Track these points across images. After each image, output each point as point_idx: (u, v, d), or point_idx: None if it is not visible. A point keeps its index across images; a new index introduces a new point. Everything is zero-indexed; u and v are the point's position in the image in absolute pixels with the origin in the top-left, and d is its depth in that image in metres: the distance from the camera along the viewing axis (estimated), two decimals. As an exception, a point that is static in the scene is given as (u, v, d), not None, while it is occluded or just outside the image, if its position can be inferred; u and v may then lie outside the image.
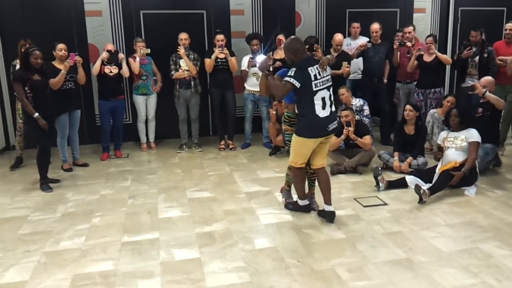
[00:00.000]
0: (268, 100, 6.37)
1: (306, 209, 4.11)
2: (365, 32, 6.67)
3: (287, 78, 3.64)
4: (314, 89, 3.65)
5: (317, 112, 3.68)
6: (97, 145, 6.61)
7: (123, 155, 6.30)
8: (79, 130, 5.84)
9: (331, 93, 3.81)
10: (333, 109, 3.83)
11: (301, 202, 4.12)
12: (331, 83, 3.82)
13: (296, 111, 3.86)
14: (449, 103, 5.62)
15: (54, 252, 3.50)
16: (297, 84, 3.60)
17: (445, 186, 4.50)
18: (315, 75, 3.66)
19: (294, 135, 3.82)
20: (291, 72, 3.64)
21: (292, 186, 4.21)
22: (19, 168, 5.69)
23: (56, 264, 3.31)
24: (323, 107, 3.70)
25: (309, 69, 3.65)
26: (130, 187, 5.02)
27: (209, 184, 5.03)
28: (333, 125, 3.80)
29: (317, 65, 3.70)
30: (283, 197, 4.40)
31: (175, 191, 4.82)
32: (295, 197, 4.24)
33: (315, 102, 3.66)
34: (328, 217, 3.95)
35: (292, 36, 3.97)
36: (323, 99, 3.69)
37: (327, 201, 3.98)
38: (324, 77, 3.72)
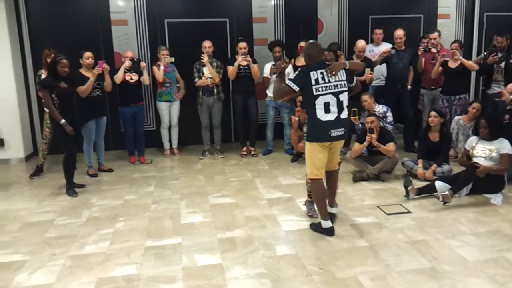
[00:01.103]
0: (290, 106, 6.38)
1: (330, 232, 3.78)
2: (388, 38, 6.63)
3: (287, 81, 3.69)
4: (315, 93, 3.61)
5: (318, 116, 3.64)
6: (122, 151, 6.72)
7: (146, 161, 6.38)
8: (104, 136, 5.95)
9: (342, 99, 3.69)
10: (343, 115, 3.71)
11: (324, 224, 3.80)
12: (342, 89, 3.69)
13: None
14: (475, 109, 5.52)
15: (79, 255, 3.56)
16: (295, 88, 3.63)
17: (469, 182, 4.44)
18: (316, 79, 3.61)
19: (306, 142, 3.82)
20: (294, 75, 3.70)
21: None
22: (39, 177, 5.77)
23: (81, 267, 3.37)
24: (326, 111, 3.63)
25: (311, 73, 3.63)
26: (153, 192, 5.08)
27: (231, 190, 5.06)
28: (337, 132, 3.68)
29: (322, 70, 3.63)
30: (306, 210, 4.29)
31: (197, 197, 4.86)
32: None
33: (316, 106, 3.63)
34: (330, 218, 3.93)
35: (310, 41, 3.95)
36: (326, 104, 3.63)
37: (331, 202, 4.03)
38: (331, 82, 3.64)
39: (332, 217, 3.96)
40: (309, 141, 3.76)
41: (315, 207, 4.04)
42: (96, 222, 4.23)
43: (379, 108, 5.78)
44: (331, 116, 3.65)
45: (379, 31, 6.76)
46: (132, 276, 3.21)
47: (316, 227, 3.90)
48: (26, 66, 6.68)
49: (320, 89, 3.62)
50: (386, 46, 6.51)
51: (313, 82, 3.62)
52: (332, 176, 4.01)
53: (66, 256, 3.56)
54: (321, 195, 3.82)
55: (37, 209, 4.66)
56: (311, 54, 3.76)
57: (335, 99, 3.65)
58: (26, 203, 4.85)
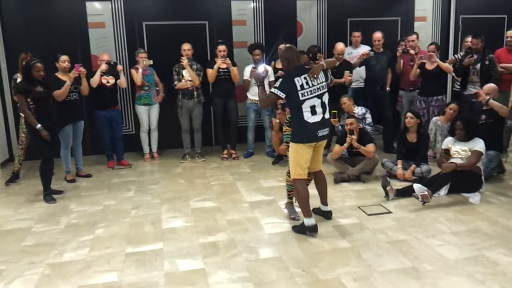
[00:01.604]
0: (271, 109, 6.39)
1: (313, 229, 3.81)
2: (366, 41, 6.70)
3: (272, 89, 3.74)
4: (301, 98, 3.68)
5: (305, 118, 3.72)
6: (100, 156, 6.63)
7: (128, 163, 6.33)
8: (82, 141, 5.85)
9: (324, 100, 3.81)
10: (327, 116, 3.84)
11: (307, 222, 3.82)
12: (324, 90, 3.81)
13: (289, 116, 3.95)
14: (452, 110, 5.62)
15: (58, 263, 3.49)
16: (282, 95, 3.69)
17: (447, 182, 4.54)
18: (301, 85, 3.68)
19: (290, 143, 3.86)
20: (277, 83, 3.73)
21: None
22: (15, 183, 5.64)
23: (60, 275, 3.30)
24: (312, 113, 3.73)
25: (296, 79, 3.68)
26: (133, 197, 5.01)
27: (212, 194, 5.03)
28: (323, 132, 3.81)
29: (305, 75, 3.71)
30: (288, 213, 4.31)
31: (178, 201, 4.82)
32: (298, 209, 4.20)
33: (303, 110, 3.71)
34: (326, 215, 4.15)
35: (287, 45, 4.00)
36: (312, 107, 3.72)
37: (325, 201, 4.16)
38: (314, 85, 3.73)
39: (328, 214, 4.14)
40: (295, 142, 3.80)
41: (295, 209, 4.20)
42: (75, 229, 4.15)
43: (358, 110, 5.83)
44: (317, 118, 3.74)
45: (357, 34, 6.82)
46: (113, 284, 3.16)
47: (299, 229, 3.92)
48: (1, 70, 6.52)
49: (305, 93, 3.69)
50: (364, 49, 6.58)
51: (299, 88, 3.68)
52: (319, 176, 4.11)
53: (45, 264, 3.48)
54: (304, 194, 3.85)
55: (14, 216, 4.55)
56: (290, 59, 3.81)
57: (319, 101, 3.75)
58: (2, 210, 4.73)
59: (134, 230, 4.08)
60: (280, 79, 3.75)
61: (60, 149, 5.53)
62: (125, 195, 5.10)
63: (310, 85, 3.71)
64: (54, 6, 6.57)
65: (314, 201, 4.22)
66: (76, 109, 5.62)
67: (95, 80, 5.87)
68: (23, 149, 5.64)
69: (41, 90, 4.79)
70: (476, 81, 6.03)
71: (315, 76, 3.73)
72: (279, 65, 6.25)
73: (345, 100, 5.80)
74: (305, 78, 3.70)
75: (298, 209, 4.18)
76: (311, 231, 3.82)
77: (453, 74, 6.35)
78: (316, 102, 3.73)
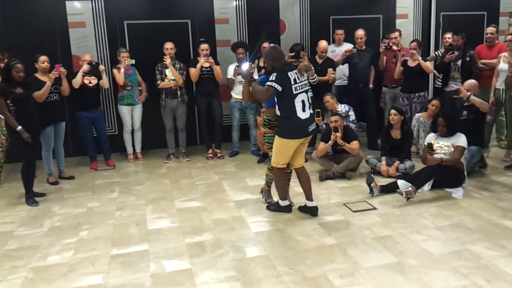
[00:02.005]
0: (255, 107, 6.38)
1: (288, 209, 4.28)
2: (349, 38, 6.73)
3: (269, 83, 3.87)
4: (294, 92, 3.89)
5: (298, 114, 3.92)
6: (83, 157, 6.54)
7: (113, 165, 6.27)
8: (63, 142, 5.77)
9: (309, 97, 4.04)
10: (311, 111, 4.07)
11: (282, 203, 4.28)
12: (309, 87, 4.08)
13: (278, 114, 4.03)
14: (434, 106, 5.68)
15: (42, 267, 3.44)
16: (279, 88, 3.84)
17: (431, 177, 4.59)
18: (294, 79, 3.91)
19: (276, 137, 4.01)
20: (272, 77, 3.88)
21: (273, 187, 4.43)
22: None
23: (44, 279, 3.25)
24: (303, 109, 3.95)
25: (289, 73, 3.90)
26: (117, 199, 4.96)
27: (198, 194, 5.00)
28: (312, 126, 4.07)
29: (295, 70, 3.96)
30: (263, 198, 4.59)
31: (163, 202, 4.78)
32: (275, 198, 4.45)
33: (296, 104, 3.90)
34: (312, 211, 4.21)
35: (271, 44, 4.19)
36: (302, 101, 3.94)
37: (310, 197, 4.24)
38: (302, 81, 3.97)
39: (314, 210, 4.22)
40: (287, 138, 3.96)
41: (271, 194, 4.54)
42: (59, 232, 4.09)
43: (342, 108, 5.86)
44: (307, 113, 3.98)
45: (340, 32, 6.85)
46: (98, 286, 3.13)
47: (274, 207, 4.34)
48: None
49: (297, 88, 3.92)
50: (347, 46, 6.60)
51: (292, 82, 3.89)
52: (302, 172, 4.24)
53: (28, 268, 3.42)
54: (283, 178, 4.21)
55: (-5, 220, 4.47)
56: (276, 57, 4.01)
57: (306, 96, 4.00)
58: (-17, 214, 4.64)
59: (118, 232, 4.04)
60: (275, 74, 3.89)
61: (41, 151, 5.44)
62: (109, 197, 5.04)
63: (299, 80, 3.94)
64: (33, 5, 6.44)
65: (300, 200, 4.28)
66: (57, 110, 5.54)
67: (77, 81, 5.79)
68: (3, 151, 5.54)
69: (21, 92, 4.71)
70: (457, 77, 6.11)
71: (302, 73, 3.99)
72: (262, 63, 6.26)
73: (328, 99, 5.82)
74: (295, 73, 3.94)
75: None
76: (286, 210, 4.26)
77: (434, 72, 6.43)
78: (305, 97, 3.96)
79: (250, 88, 4.08)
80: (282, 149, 4.01)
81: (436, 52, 6.68)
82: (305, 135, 4.03)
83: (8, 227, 4.25)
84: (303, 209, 4.27)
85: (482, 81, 5.90)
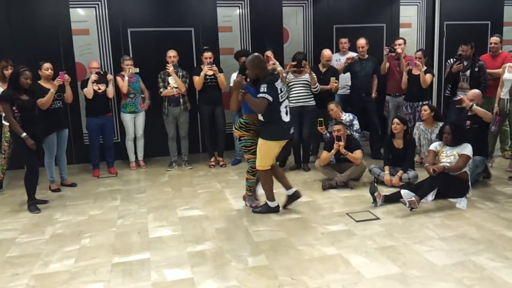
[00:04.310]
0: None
1: (276, 209, 4.50)
2: (353, 47, 6.74)
3: (262, 95, 4.11)
4: (280, 100, 4.22)
5: (283, 118, 4.26)
6: (85, 165, 6.55)
7: (115, 173, 6.26)
8: (66, 150, 5.78)
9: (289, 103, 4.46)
10: (291, 115, 4.42)
11: (272, 204, 4.49)
12: (287, 94, 4.55)
13: (261, 119, 4.25)
14: (425, 111, 5.66)
15: (43, 274, 3.42)
16: (271, 99, 4.12)
17: (434, 187, 4.56)
18: (280, 89, 4.24)
19: (263, 141, 4.25)
20: (264, 88, 4.11)
21: (258, 189, 4.69)
22: (-1, 193, 5.57)
23: (45, 287, 3.23)
24: (286, 114, 4.29)
25: (276, 84, 4.20)
26: (119, 207, 4.95)
27: (200, 202, 4.99)
28: (292, 129, 4.45)
29: (279, 80, 4.32)
30: (247, 204, 4.71)
31: (165, 210, 4.77)
32: (259, 201, 4.67)
33: (281, 110, 4.23)
34: (296, 195, 4.52)
35: (255, 54, 4.35)
36: (286, 107, 4.30)
37: (288, 186, 4.53)
38: (283, 89, 4.31)
39: (296, 194, 4.52)
40: (273, 140, 4.25)
41: (257, 196, 4.73)
42: (60, 239, 4.08)
43: (346, 117, 5.85)
44: (289, 117, 4.34)
45: (344, 40, 6.86)
46: (99, 295, 3.11)
47: (262, 209, 4.50)
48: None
49: (282, 96, 4.25)
50: (352, 55, 6.61)
51: (279, 91, 4.22)
52: (274, 168, 4.50)
53: (30, 275, 3.41)
54: (270, 180, 4.44)
55: (-3, 227, 4.46)
56: (262, 67, 4.24)
57: (288, 102, 4.40)
58: (-15, 221, 4.64)
59: (120, 240, 4.02)
60: (265, 85, 4.12)
61: (44, 158, 5.44)
62: (111, 204, 5.03)
63: (283, 89, 4.31)
64: (37, 13, 6.48)
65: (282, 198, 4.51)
66: (61, 117, 5.55)
67: (89, 92, 5.88)
68: (6, 158, 5.54)
69: (27, 99, 4.73)
70: (466, 87, 6.07)
71: (284, 82, 4.40)
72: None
73: (333, 107, 5.81)
74: (280, 83, 4.27)
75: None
76: (275, 211, 4.48)
77: (427, 85, 6.29)
78: (287, 103, 4.36)
79: (244, 99, 4.22)
80: (269, 152, 4.28)
81: (448, 61, 6.65)
82: (288, 136, 4.36)
83: (10, 234, 4.24)
84: (289, 201, 4.54)
85: (486, 91, 5.89)
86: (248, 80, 4.34)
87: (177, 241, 3.95)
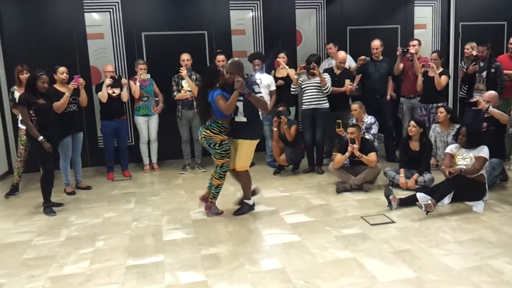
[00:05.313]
0: (271, 118, 6.36)
1: (253, 207, 4.72)
2: (366, 49, 6.64)
3: (260, 95, 4.46)
4: None
5: (261, 117, 4.60)
6: (100, 167, 6.60)
7: (129, 176, 6.30)
8: (81, 153, 5.83)
9: None
10: None
11: (250, 202, 4.70)
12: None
13: (244, 120, 4.37)
14: (441, 113, 5.58)
15: (59, 276, 3.45)
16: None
17: (451, 190, 4.49)
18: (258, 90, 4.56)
19: (248, 141, 4.42)
20: (257, 89, 4.48)
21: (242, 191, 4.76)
22: (15, 196, 5.60)
23: (60, 289, 3.26)
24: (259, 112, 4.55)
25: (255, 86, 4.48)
26: (133, 209, 4.98)
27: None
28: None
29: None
30: (212, 212, 4.63)
31: (179, 213, 4.78)
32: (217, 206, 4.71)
33: (259, 111, 4.51)
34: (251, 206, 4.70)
35: (236, 59, 4.66)
36: None
37: (248, 197, 4.68)
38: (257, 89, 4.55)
39: (251, 206, 4.70)
40: (256, 139, 4.51)
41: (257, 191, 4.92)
42: (75, 242, 4.11)
43: (368, 119, 5.77)
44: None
45: (329, 46, 6.80)
46: (114, 297, 3.12)
47: (243, 210, 4.63)
48: (0, 83, 6.51)
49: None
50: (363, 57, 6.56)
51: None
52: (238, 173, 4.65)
53: (45, 277, 3.44)
54: (250, 179, 4.65)
55: (14, 229, 4.51)
56: (242, 70, 4.39)
57: None
58: (2, 223, 4.69)
59: (134, 242, 4.04)
60: (256, 85, 4.52)
61: (59, 161, 5.50)
62: (125, 207, 5.06)
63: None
64: (52, 18, 6.57)
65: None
66: (76, 121, 5.62)
67: (104, 96, 5.94)
68: (22, 161, 5.60)
69: (44, 102, 4.79)
70: (482, 89, 5.97)
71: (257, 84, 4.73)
72: (279, 73, 6.30)
73: (356, 107, 5.75)
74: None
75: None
76: (252, 208, 4.68)
77: (442, 88, 6.21)
78: None
79: (249, 99, 4.25)
80: (251, 151, 4.55)
81: (460, 64, 6.56)
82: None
83: (26, 236, 4.29)
84: (240, 210, 4.66)
85: (503, 92, 5.80)
86: (218, 84, 4.38)
87: (191, 244, 3.95)
